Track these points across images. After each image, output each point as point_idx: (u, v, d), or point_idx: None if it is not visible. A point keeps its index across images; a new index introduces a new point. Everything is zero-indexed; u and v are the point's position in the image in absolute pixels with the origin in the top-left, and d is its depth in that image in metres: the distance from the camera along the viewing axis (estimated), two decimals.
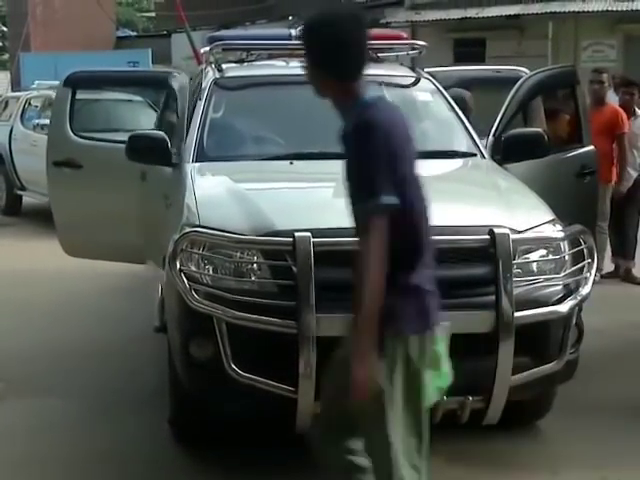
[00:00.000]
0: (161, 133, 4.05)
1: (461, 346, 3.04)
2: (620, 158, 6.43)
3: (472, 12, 16.84)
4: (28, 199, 10.24)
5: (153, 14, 28.81)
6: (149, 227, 4.53)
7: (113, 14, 22.58)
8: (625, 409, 3.99)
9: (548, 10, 16.18)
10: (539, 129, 4.08)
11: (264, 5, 20.73)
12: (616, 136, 6.41)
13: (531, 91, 4.35)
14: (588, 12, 15.89)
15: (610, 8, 15.73)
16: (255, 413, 3.33)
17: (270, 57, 4.76)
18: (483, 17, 16.66)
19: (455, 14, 16.98)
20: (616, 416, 3.90)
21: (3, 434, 3.82)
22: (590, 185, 4.56)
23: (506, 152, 4.02)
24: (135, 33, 29.43)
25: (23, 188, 10.16)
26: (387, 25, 16.12)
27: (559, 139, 4.85)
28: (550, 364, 3.18)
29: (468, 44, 16.96)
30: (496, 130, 4.15)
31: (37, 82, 10.91)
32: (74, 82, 5.42)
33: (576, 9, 16.00)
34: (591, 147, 4.63)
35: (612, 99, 6.83)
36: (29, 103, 10.59)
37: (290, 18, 19.78)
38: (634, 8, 15.53)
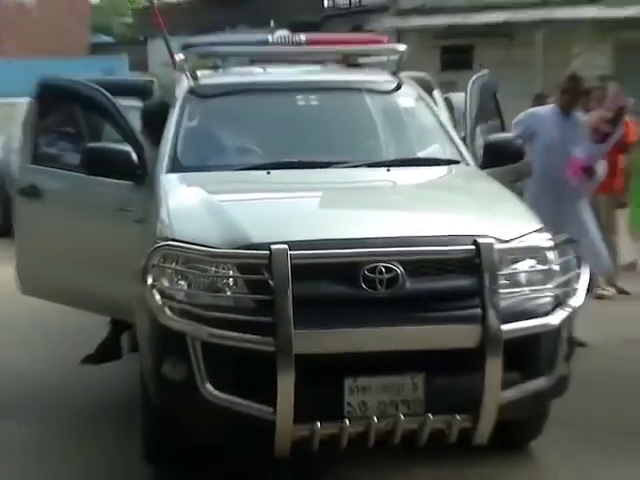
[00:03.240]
0: (122, 146, 4.01)
1: (446, 362, 3.06)
2: (627, 169, 6.51)
3: (459, 18, 16.95)
4: None
5: (130, 19, 28.83)
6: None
7: (88, 19, 22.58)
8: (623, 431, 3.93)
9: (537, 17, 16.32)
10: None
11: (245, 10, 20.82)
12: (624, 146, 6.45)
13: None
14: (579, 19, 16.04)
15: (601, 15, 15.88)
16: (232, 435, 3.29)
17: (250, 63, 4.77)
18: (471, 24, 16.77)
19: (442, 20, 17.08)
20: (614, 438, 3.85)
21: None
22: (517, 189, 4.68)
23: (484, 159, 4.09)
24: (111, 39, 29.44)
25: None
26: (371, 32, 16.19)
27: None
28: (541, 379, 3.16)
29: (455, 51, 17.07)
30: (464, 139, 4.28)
31: None
32: None
33: (566, 16, 16.15)
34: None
35: None
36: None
37: (272, 23, 19.90)
38: (626, 15, 15.68)
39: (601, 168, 5.44)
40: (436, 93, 5.05)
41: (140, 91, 5.28)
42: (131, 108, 5.16)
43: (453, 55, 17.07)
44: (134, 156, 3.92)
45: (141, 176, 3.95)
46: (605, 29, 16.22)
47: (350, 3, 20.97)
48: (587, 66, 12.36)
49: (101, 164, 3.92)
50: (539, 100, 7.69)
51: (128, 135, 4.08)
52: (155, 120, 4.28)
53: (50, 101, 4.61)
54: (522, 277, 3.21)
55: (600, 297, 6.45)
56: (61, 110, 4.79)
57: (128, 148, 3.97)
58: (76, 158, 4.40)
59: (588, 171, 5.28)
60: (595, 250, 5.23)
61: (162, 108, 4.33)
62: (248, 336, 2.96)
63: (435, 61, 16.56)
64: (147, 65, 21.17)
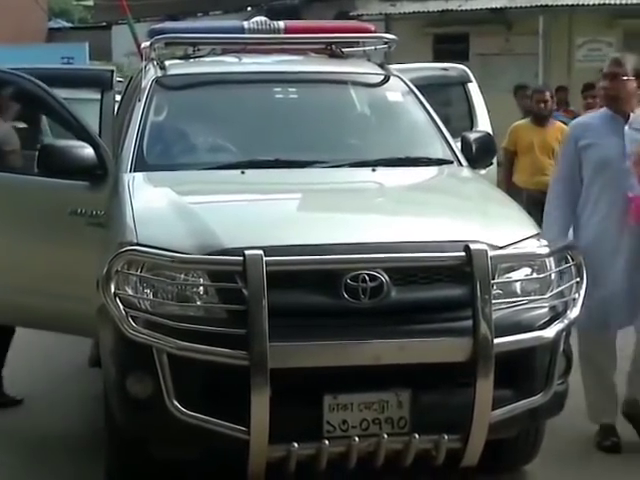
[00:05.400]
0: (80, 143, 4.02)
1: (434, 378, 3.12)
2: None
3: (454, 4, 17.08)
4: None
5: (91, 2, 28.78)
6: None
7: (45, 2, 22.49)
8: (626, 452, 3.96)
9: (539, 3, 16.48)
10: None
11: None
12: None
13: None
14: (583, 5, 16.19)
15: (608, 1, 16.05)
16: (202, 457, 3.33)
17: (223, 52, 4.82)
18: (466, 10, 16.92)
19: (435, 6, 17.21)
20: (614, 461, 3.87)
21: None
22: None
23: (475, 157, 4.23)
24: (70, 24, 29.37)
25: None
26: (358, 18, 16.29)
27: None
28: (535, 397, 3.22)
29: (449, 40, 17.18)
30: None
31: None
32: None
33: (570, 2, 16.32)
34: None
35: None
36: None
37: (249, 9, 19.95)
38: (635, 1, 15.85)
39: None
40: (472, 86, 5.03)
41: (99, 82, 5.30)
42: (90, 101, 5.20)
43: (447, 44, 17.18)
44: (91, 153, 3.93)
45: (100, 176, 3.97)
46: (613, 16, 16.39)
47: None
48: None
49: (59, 164, 3.92)
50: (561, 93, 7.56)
51: (78, 130, 4.07)
52: None
53: None
54: (517, 286, 3.28)
55: None
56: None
57: (86, 145, 3.98)
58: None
59: None
60: None
61: None
62: (219, 349, 2.99)
63: (427, 50, 16.66)
64: (111, 53, 21.16)
